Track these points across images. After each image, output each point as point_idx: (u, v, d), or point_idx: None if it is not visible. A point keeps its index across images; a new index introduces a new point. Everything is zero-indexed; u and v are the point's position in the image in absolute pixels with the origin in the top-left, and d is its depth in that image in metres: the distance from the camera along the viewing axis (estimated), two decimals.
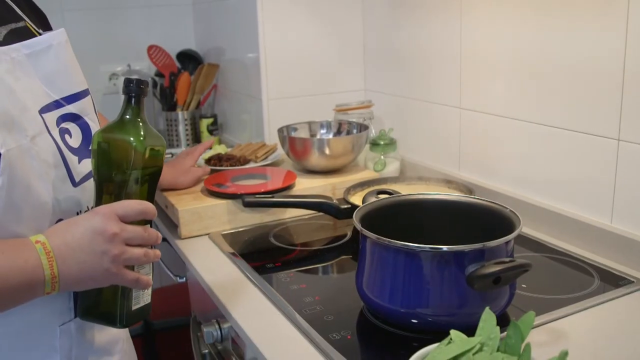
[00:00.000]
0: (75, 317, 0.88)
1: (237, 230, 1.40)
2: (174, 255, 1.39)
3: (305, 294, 1.09)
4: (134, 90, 0.84)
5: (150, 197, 0.85)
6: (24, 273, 0.73)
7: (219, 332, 1.12)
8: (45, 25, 0.95)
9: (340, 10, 1.86)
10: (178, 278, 1.45)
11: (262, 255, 1.29)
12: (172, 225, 1.43)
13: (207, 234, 1.38)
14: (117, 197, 0.82)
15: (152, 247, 0.84)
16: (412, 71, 1.68)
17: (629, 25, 1.08)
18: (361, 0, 1.87)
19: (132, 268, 0.81)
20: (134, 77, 0.86)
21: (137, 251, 0.80)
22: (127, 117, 0.84)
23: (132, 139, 0.82)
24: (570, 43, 1.20)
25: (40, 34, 0.89)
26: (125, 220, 0.79)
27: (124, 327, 0.87)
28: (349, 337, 0.94)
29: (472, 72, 1.47)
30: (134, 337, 1.89)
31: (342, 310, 1.02)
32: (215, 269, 1.22)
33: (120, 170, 0.82)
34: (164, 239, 1.46)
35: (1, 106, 0.76)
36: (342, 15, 1.87)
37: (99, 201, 0.83)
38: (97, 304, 0.85)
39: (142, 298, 0.87)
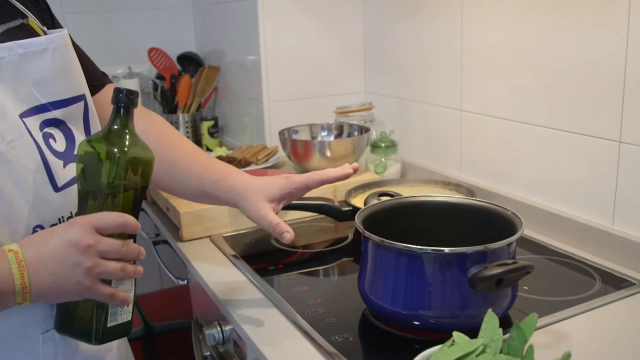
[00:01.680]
0: None
1: (238, 232, 1.40)
2: (176, 257, 1.39)
3: (307, 296, 1.09)
4: (123, 100, 0.81)
5: (134, 211, 0.81)
6: None
7: (220, 335, 1.11)
8: (51, 22, 0.93)
9: (341, 12, 1.87)
10: (179, 280, 1.45)
11: (263, 257, 1.29)
12: (174, 227, 1.43)
13: (209, 237, 1.38)
14: (100, 208, 0.79)
15: (134, 263, 0.80)
16: (413, 73, 1.68)
17: (630, 26, 1.08)
18: (361, 2, 1.87)
19: (109, 283, 0.77)
20: (124, 87, 0.84)
21: (113, 265, 0.75)
22: (115, 127, 0.81)
23: (115, 149, 0.79)
24: (571, 45, 1.21)
25: (44, 32, 0.87)
26: (103, 232, 0.75)
27: (99, 343, 0.82)
28: (351, 339, 0.94)
29: (473, 74, 1.47)
30: (135, 339, 1.90)
31: (344, 312, 1.02)
32: (216, 271, 1.22)
33: (102, 181, 0.79)
34: (166, 241, 1.46)
35: None
36: (342, 17, 1.87)
37: (81, 211, 0.80)
38: (73, 318, 0.82)
39: (121, 315, 0.82)
